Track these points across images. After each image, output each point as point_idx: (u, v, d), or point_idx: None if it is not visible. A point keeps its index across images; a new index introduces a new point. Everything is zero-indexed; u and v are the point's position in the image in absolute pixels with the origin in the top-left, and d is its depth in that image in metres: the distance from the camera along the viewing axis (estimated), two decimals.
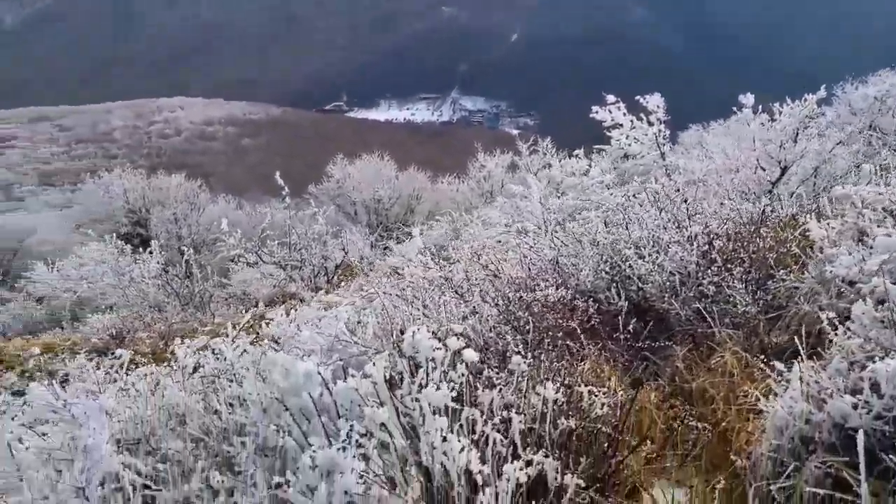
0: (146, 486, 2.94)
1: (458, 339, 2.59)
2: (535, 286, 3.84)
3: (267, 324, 5.13)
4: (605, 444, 2.66)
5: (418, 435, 2.57)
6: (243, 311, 9.87)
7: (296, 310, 5.23)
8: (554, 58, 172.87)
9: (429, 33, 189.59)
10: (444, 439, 2.33)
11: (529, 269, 4.30)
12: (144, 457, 3.04)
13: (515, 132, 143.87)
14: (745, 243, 3.87)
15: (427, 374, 2.52)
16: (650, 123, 9.48)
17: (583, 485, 2.35)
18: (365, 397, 2.54)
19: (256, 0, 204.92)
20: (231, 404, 3.15)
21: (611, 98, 9.70)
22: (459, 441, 2.33)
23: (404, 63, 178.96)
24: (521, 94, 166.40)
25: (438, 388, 2.39)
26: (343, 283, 11.80)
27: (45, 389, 3.09)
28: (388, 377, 2.51)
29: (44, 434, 3.17)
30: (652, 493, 2.74)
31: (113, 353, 8.07)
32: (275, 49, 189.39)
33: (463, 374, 2.52)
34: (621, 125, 9.81)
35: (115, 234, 21.68)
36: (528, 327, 3.10)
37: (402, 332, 3.02)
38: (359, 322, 3.23)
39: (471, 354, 2.58)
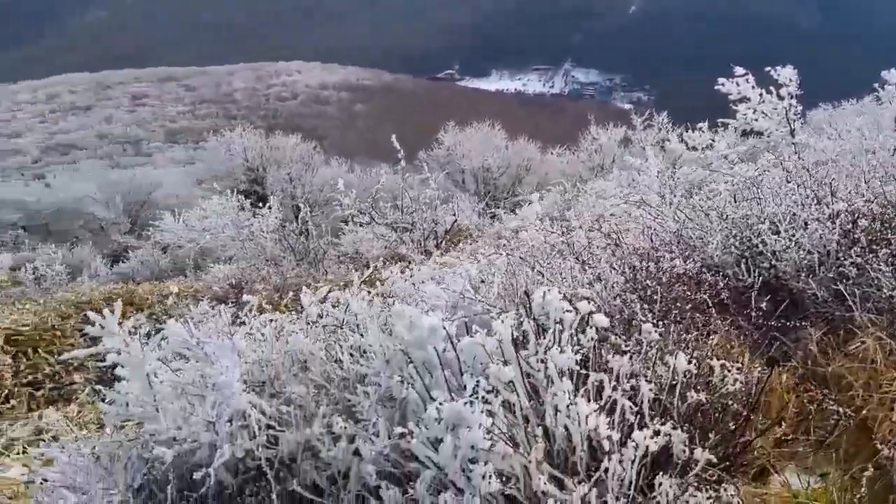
0: (269, 427, 3.04)
1: (588, 303, 2.53)
2: (660, 257, 3.72)
3: (381, 282, 5.21)
4: (735, 422, 2.56)
5: (541, 397, 2.54)
6: (354, 270, 10.09)
7: (410, 269, 5.28)
8: (674, 31, 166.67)
9: (544, 2, 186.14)
10: (571, 403, 2.29)
11: (652, 240, 4.18)
12: (269, 399, 3.14)
13: (628, 107, 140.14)
14: (893, 224, 3.62)
15: (555, 336, 2.48)
16: (780, 97, 8.98)
17: (714, 460, 2.26)
18: (490, 355, 2.52)
19: None
20: (352, 354, 3.21)
21: (739, 70, 9.23)
22: (588, 405, 2.29)
23: (518, 33, 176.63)
24: (637, 68, 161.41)
25: (563, 351, 2.35)
26: (451, 248, 11.88)
27: (182, 327, 3.24)
28: (514, 336, 2.48)
29: (177, 370, 3.32)
30: (782, 478, 2.62)
31: (234, 302, 8.43)
32: (390, 15, 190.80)
33: (592, 339, 2.46)
34: (748, 99, 9.35)
35: (234, 190, 22.61)
36: (655, 297, 3.01)
37: (527, 294, 2.98)
38: (482, 281, 3.23)
39: (601, 319, 2.52)
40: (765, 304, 3.44)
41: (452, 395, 2.60)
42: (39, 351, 7.57)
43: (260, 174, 23.47)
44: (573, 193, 11.96)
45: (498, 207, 20.81)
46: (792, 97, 9.00)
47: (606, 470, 2.25)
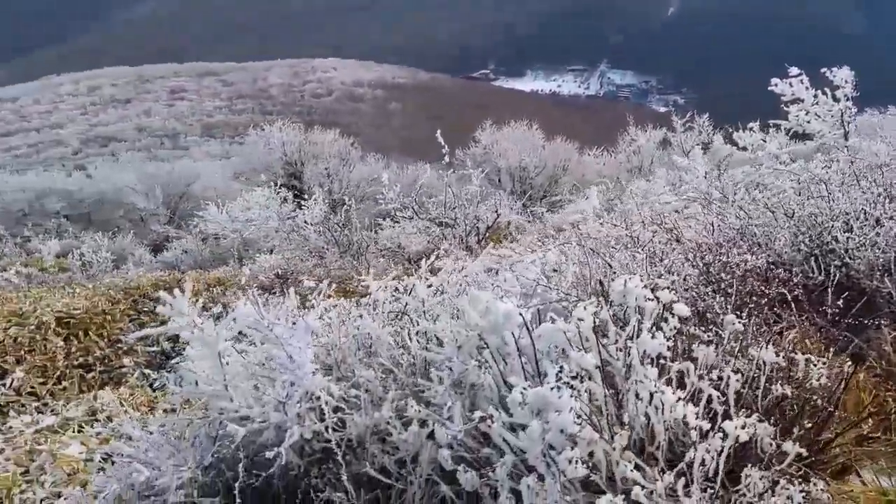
0: (338, 409, 3.05)
1: (669, 292, 2.50)
2: (725, 253, 3.67)
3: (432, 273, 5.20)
4: (817, 418, 2.51)
5: (618, 386, 2.52)
6: (395, 263, 10.11)
7: (463, 261, 5.26)
8: (711, 34, 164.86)
9: (582, 3, 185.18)
10: (657, 391, 2.26)
11: (715, 235, 4.12)
12: (337, 382, 3.14)
13: (664, 109, 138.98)
14: None
15: (637, 325, 2.45)
16: (836, 99, 8.82)
17: (804, 454, 2.21)
18: (570, 341, 2.50)
19: None
20: (419, 340, 3.20)
21: (794, 70, 9.09)
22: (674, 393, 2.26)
23: (554, 33, 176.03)
24: (674, 71, 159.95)
25: (654, 337, 2.32)
26: (494, 245, 11.86)
27: (252, 308, 3.26)
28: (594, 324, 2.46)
29: (243, 351, 3.34)
30: (862, 477, 2.56)
31: (280, 292, 8.50)
32: (426, 13, 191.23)
33: (675, 328, 2.43)
34: (801, 100, 9.20)
35: (276, 182, 22.80)
36: (729, 290, 2.96)
37: (601, 283, 2.96)
38: (555, 270, 3.20)
39: (682, 308, 2.49)
40: (839, 301, 3.37)
41: (529, 381, 2.58)
42: (91, 334, 7.70)
43: (298, 168, 23.66)
44: (616, 192, 11.88)
45: (536, 206, 20.74)
46: (848, 99, 8.86)
47: (691, 460, 2.22)
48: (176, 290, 3.69)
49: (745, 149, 9.15)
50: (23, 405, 6.84)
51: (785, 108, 9.45)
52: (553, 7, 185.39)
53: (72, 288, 8.83)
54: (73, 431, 5.43)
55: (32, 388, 7.01)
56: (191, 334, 3.18)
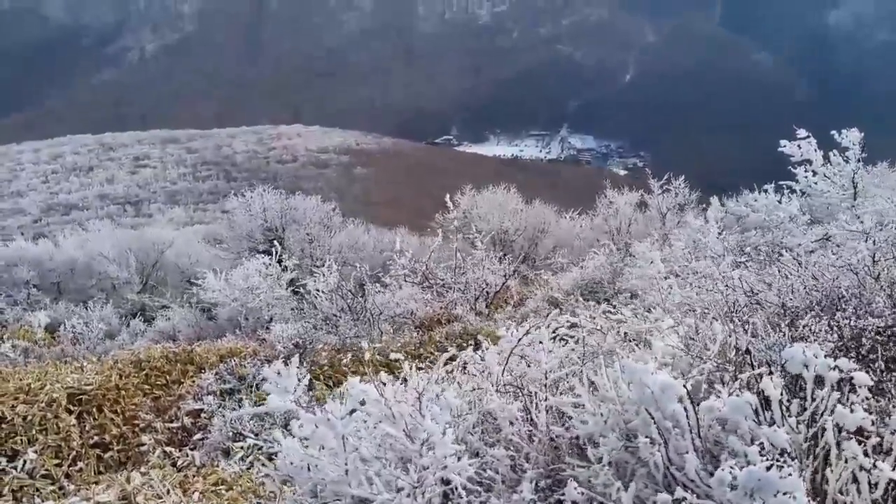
0: (473, 492, 2.86)
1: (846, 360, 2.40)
2: (850, 316, 3.58)
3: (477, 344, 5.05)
4: None
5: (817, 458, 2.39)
6: (408, 331, 9.91)
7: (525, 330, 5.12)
8: (669, 100, 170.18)
9: (542, 70, 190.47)
10: (869, 467, 2.13)
11: (800, 298, 4.06)
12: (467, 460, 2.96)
13: (623, 172, 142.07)
14: None
15: (822, 398, 2.34)
16: (846, 160, 9.04)
17: None
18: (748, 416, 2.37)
19: (376, 33, 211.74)
20: (552, 413, 3.04)
21: (802, 132, 9.32)
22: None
23: (515, 99, 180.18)
24: (632, 135, 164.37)
25: (853, 411, 2.20)
26: (498, 310, 11.74)
27: (366, 386, 3.08)
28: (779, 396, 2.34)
29: (357, 431, 3.15)
30: None
31: (301, 360, 8.23)
32: (390, 80, 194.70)
33: (865, 399, 2.32)
34: (810, 161, 9.41)
35: (255, 250, 22.46)
36: (872, 356, 2.88)
37: (748, 352, 2.85)
38: (692, 339, 3.08)
39: (863, 378, 2.39)
40: None
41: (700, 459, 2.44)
42: (105, 411, 7.32)
43: (279, 234, 23.39)
44: (619, 256, 11.91)
45: (520, 269, 20.74)
46: (858, 161, 9.06)
47: None
48: (280, 367, 3.50)
49: (757, 210, 9.30)
50: (38, 489, 6.44)
51: (792, 170, 9.63)
52: (513, 73, 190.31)
53: (75, 362, 8.43)
54: None
55: (47, 470, 6.61)
56: (304, 413, 2.99)
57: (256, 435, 6.61)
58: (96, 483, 6.36)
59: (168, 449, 6.84)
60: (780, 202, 8.99)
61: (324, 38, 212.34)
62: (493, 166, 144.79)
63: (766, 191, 9.15)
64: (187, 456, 6.70)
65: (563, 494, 2.77)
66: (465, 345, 9.22)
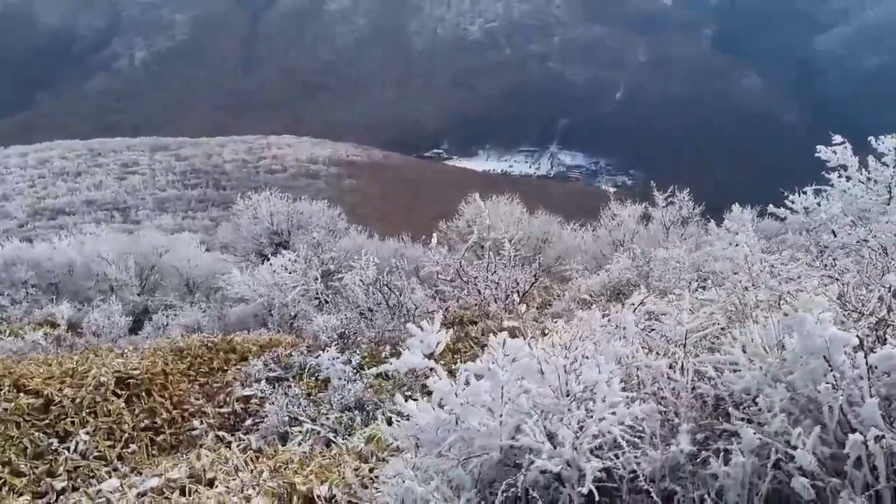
0: (631, 443, 2.88)
1: None
2: None
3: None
4: None
5: None
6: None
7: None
8: (659, 118, 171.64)
9: (532, 86, 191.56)
10: None
11: None
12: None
13: (612, 190, 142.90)
14: None
15: None
16: (885, 164, 9.17)
17: None
18: None
19: (369, 47, 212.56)
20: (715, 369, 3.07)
21: (837, 138, 9.45)
22: None
23: (506, 115, 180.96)
24: (622, 153, 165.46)
25: None
26: (526, 307, 11.78)
27: (517, 342, 3.10)
28: None
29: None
30: None
31: (342, 350, 8.22)
32: (382, 94, 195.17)
33: None
34: (845, 167, 9.54)
35: (260, 254, 22.39)
36: None
37: None
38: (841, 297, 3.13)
39: None
40: None
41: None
42: (154, 395, 7.27)
43: (284, 238, 23.39)
44: (644, 260, 12.01)
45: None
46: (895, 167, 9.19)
47: None
48: (424, 324, 3.52)
49: (795, 212, 9.40)
50: (92, 470, 6.38)
51: (827, 175, 9.73)
52: (503, 89, 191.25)
53: (119, 349, 8.38)
54: (185, 494, 5.04)
55: (100, 451, 6.55)
56: (476, 364, 3.01)
57: (313, 420, 6.60)
58: (150, 465, 6.32)
59: (220, 433, 6.79)
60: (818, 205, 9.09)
61: (318, 51, 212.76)
62: (483, 181, 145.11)
63: (804, 192, 9.25)
64: (241, 440, 6.65)
65: (718, 446, 2.80)
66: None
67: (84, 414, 6.86)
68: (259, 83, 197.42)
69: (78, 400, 6.97)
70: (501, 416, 2.96)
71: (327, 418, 6.45)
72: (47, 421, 6.72)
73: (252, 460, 5.81)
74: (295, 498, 4.46)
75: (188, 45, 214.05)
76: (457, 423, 3.13)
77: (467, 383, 3.11)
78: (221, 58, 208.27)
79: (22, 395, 6.92)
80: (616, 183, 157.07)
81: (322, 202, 25.53)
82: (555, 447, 2.84)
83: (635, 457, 2.88)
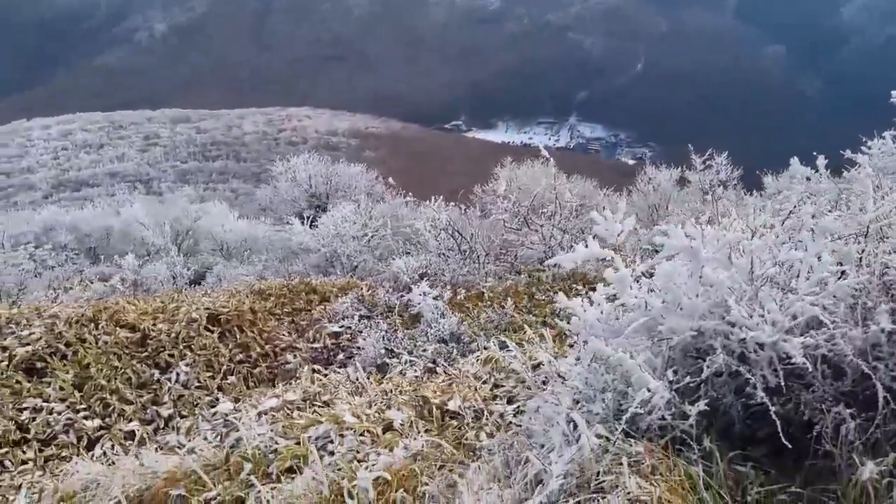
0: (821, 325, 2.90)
1: None
2: None
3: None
4: None
5: None
6: (513, 272, 9.96)
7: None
8: (679, 89, 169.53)
9: (551, 58, 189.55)
10: None
11: None
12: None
13: (632, 162, 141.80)
14: None
15: None
16: None
17: None
18: None
19: (386, 19, 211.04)
20: None
21: None
22: None
23: (525, 87, 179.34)
24: (642, 125, 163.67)
25: None
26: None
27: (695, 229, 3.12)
28: None
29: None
30: None
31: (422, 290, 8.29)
32: (399, 66, 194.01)
33: None
34: None
35: (299, 216, 22.48)
36: None
37: None
38: None
39: None
40: None
41: None
42: (245, 331, 7.38)
43: (323, 201, 23.48)
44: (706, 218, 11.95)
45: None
46: None
47: None
48: (606, 212, 3.55)
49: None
50: (196, 399, 6.51)
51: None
52: (522, 61, 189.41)
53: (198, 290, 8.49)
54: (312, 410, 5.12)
55: (200, 382, 6.68)
56: (675, 235, 3.03)
57: (410, 352, 6.67)
58: (249, 396, 6.42)
59: (315, 367, 6.88)
60: None
61: (333, 24, 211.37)
62: (502, 153, 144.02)
63: (883, 137, 9.14)
64: (336, 373, 6.74)
65: None
66: (572, 286, 9.27)
67: (181, 347, 6.98)
68: (274, 56, 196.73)
69: (173, 334, 7.09)
70: (698, 296, 2.98)
71: (424, 350, 6.52)
72: (146, 353, 6.85)
73: (361, 387, 5.89)
74: (427, 410, 4.52)
75: (206, 19, 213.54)
76: (646, 307, 3.16)
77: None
78: (237, 31, 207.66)
79: (119, 329, 7.04)
80: (636, 155, 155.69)
81: (362, 165, 25.52)
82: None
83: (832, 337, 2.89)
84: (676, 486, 2.42)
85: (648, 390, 2.82)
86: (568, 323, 3.59)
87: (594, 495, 2.45)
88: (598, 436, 2.65)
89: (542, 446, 3.01)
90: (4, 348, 6.53)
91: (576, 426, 2.71)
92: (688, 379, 2.88)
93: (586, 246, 3.36)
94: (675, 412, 2.82)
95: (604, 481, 2.47)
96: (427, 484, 3.28)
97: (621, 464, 2.48)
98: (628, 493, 2.35)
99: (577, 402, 3.13)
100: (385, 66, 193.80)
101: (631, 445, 2.62)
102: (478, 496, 2.66)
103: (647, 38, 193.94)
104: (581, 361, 3.29)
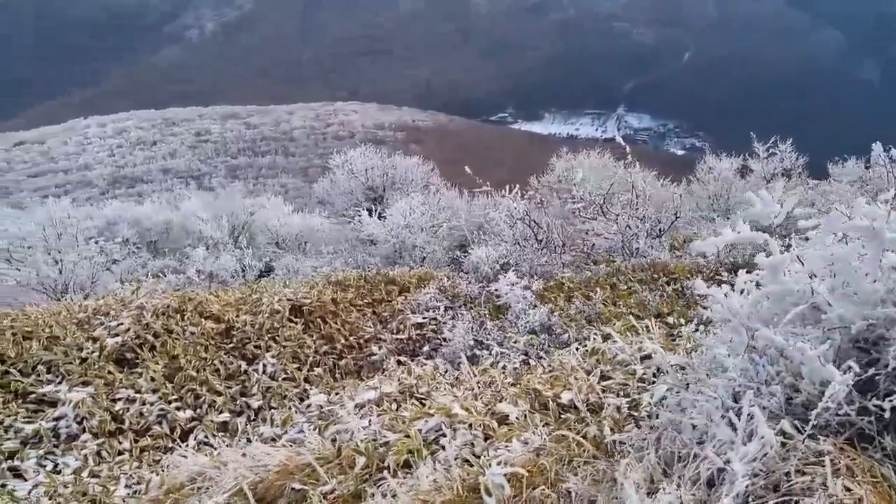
0: None
1: None
2: None
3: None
4: None
5: None
6: (591, 262, 9.73)
7: None
8: (729, 79, 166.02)
9: (598, 47, 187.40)
10: None
11: None
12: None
13: (681, 152, 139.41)
14: None
15: None
16: None
17: None
18: None
19: (431, 11, 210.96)
20: None
21: None
22: None
23: (571, 77, 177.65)
24: (690, 115, 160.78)
25: None
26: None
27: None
28: None
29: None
30: None
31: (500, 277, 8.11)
32: (445, 58, 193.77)
33: None
34: None
35: (357, 207, 22.45)
36: None
37: None
38: None
39: None
40: None
41: None
42: (329, 322, 7.29)
43: (380, 193, 23.44)
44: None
45: None
46: None
47: None
48: (762, 192, 3.32)
49: None
50: (284, 391, 6.43)
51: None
52: (569, 51, 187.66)
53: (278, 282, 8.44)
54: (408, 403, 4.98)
55: (287, 373, 6.60)
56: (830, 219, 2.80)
57: (500, 344, 6.50)
58: (337, 388, 6.31)
59: (401, 358, 6.76)
60: None
61: (379, 18, 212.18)
62: (549, 145, 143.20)
63: None
64: (423, 364, 6.60)
65: None
66: (654, 277, 8.98)
67: (266, 339, 6.92)
68: (320, 51, 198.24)
69: (257, 326, 7.04)
70: (875, 281, 2.74)
71: (515, 341, 6.33)
72: (232, 344, 6.81)
73: (456, 379, 5.74)
74: (540, 403, 4.35)
75: (254, 16, 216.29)
76: (812, 293, 2.92)
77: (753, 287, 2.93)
78: (284, 26, 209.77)
79: (204, 320, 7.01)
80: (685, 146, 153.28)
81: (416, 158, 25.44)
82: None
83: None
84: (879, 487, 2.20)
85: (823, 384, 2.60)
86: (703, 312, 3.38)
87: (785, 498, 2.23)
88: (783, 433, 2.42)
89: (699, 443, 2.81)
90: (95, 339, 6.54)
91: (751, 417, 2.50)
92: (871, 371, 2.65)
93: (733, 230, 3.12)
94: (857, 407, 2.59)
95: (794, 483, 2.25)
96: (566, 480, 3.10)
97: (815, 463, 2.27)
98: (830, 496, 2.13)
99: (735, 397, 2.91)
100: (430, 59, 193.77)
101: (818, 443, 2.39)
102: (647, 495, 2.47)
103: (696, 25, 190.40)
104: (734, 352, 3.06)
